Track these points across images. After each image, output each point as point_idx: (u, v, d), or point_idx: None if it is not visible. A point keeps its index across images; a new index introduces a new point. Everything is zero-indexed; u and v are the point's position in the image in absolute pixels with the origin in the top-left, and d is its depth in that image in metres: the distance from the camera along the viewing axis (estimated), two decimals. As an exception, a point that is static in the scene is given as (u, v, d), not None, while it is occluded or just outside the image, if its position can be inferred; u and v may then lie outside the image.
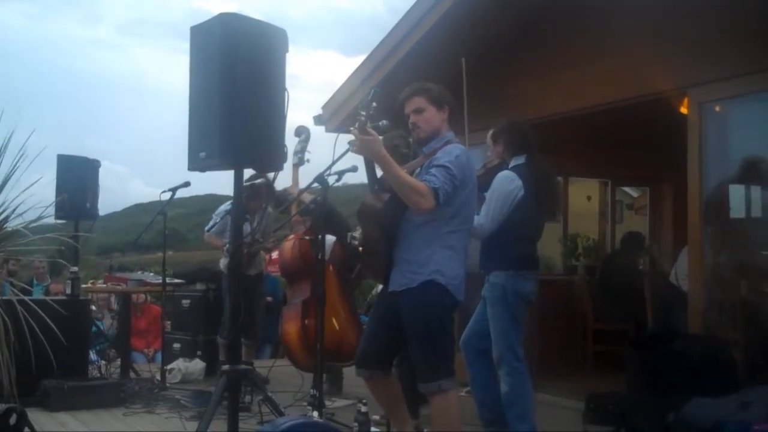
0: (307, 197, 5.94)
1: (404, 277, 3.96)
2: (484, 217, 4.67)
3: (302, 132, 6.38)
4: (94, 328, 7.74)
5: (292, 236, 6.70)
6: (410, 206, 3.84)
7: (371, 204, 4.09)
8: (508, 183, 4.74)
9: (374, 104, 3.80)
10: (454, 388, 3.94)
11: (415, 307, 3.93)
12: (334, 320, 6.33)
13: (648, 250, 9.50)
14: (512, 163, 4.90)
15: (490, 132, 5.05)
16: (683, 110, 5.95)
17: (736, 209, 5.89)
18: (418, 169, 4.09)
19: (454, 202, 3.90)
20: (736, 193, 5.88)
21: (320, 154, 5.78)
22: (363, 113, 3.77)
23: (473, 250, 4.35)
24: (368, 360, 4.17)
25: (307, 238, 6.36)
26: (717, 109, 5.70)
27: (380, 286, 6.15)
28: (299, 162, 6.33)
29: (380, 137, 3.86)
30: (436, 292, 3.89)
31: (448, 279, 3.90)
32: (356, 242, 5.92)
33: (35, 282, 9.65)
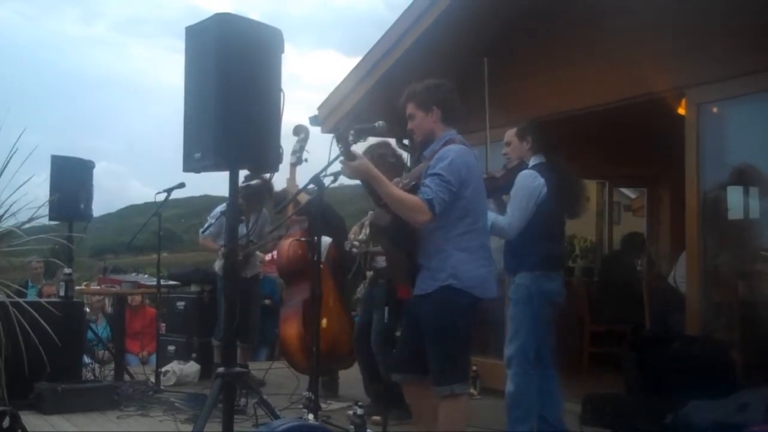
0: (303, 198, 5.92)
1: (424, 283, 3.98)
2: (510, 217, 4.66)
3: (301, 131, 6.36)
4: (90, 334, 7.71)
5: (289, 236, 6.66)
6: (408, 221, 3.85)
7: (378, 221, 4.13)
8: (531, 181, 4.73)
9: (351, 134, 3.84)
10: (466, 393, 3.95)
11: (429, 312, 3.95)
12: (328, 322, 6.30)
13: (646, 251, 9.49)
14: (532, 163, 4.89)
15: (514, 129, 5.03)
16: (681, 111, 5.93)
17: (734, 211, 5.90)
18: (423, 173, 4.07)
19: (458, 204, 3.88)
20: (733, 195, 5.88)
21: (316, 154, 5.76)
22: (340, 145, 3.82)
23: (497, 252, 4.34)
24: (402, 363, 4.18)
25: (303, 239, 6.35)
26: (714, 110, 5.69)
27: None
28: (297, 161, 6.32)
29: (366, 159, 3.92)
30: (451, 296, 3.89)
31: (465, 281, 3.89)
32: (355, 250, 5.92)
33: (30, 284, 9.60)
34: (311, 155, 6.30)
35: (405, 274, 4.09)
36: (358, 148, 4.83)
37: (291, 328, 6.45)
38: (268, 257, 8.74)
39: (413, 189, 3.90)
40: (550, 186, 4.72)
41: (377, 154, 5.80)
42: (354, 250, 5.98)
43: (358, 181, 6.17)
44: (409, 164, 6.03)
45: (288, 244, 6.58)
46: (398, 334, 7.86)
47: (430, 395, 4.12)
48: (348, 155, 3.82)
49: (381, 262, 5.67)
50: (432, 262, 3.95)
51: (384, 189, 3.84)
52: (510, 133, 5.04)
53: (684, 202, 5.74)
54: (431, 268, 3.95)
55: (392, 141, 5.93)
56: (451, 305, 3.89)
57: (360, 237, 6.04)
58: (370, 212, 6.16)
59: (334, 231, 6.31)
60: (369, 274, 5.98)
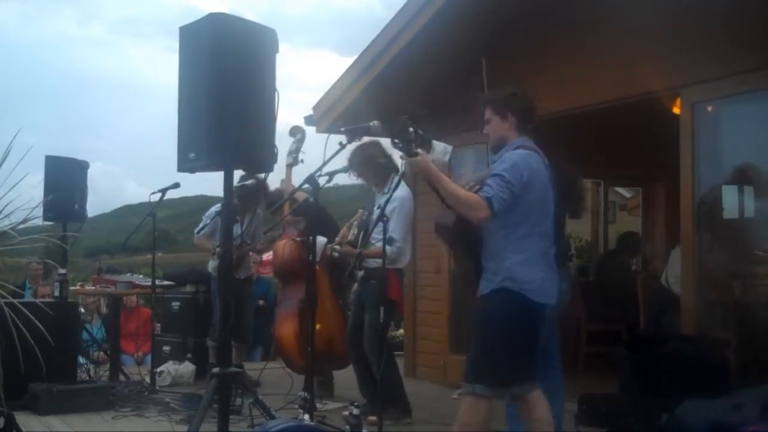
0: (300, 196, 5.92)
1: (483, 284, 3.99)
2: None
3: (297, 132, 6.35)
4: (85, 335, 7.69)
5: (285, 236, 6.66)
6: (467, 218, 3.86)
7: (443, 221, 4.13)
8: None
9: (411, 130, 3.83)
10: (488, 398, 3.87)
11: (480, 312, 3.97)
12: (324, 322, 6.29)
13: (641, 251, 9.50)
14: None
15: None
16: (676, 110, 5.93)
17: (729, 211, 5.91)
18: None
19: (519, 207, 3.88)
20: (728, 195, 5.90)
21: (310, 154, 5.76)
22: (397, 140, 3.84)
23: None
24: None
25: (298, 239, 6.34)
26: (709, 109, 5.69)
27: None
28: (293, 162, 6.31)
29: (427, 156, 3.92)
30: (504, 299, 3.87)
31: (522, 284, 3.86)
32: (336, 254, 5.93)
33: (28, 284, 9.58)
34: (306, 155, 6.29)
35: (472, 276, 4.08)
36: (350, 147, 4.86)
37: (287, 328, 6.44)
38: (265, 257, 8.74)
39: (476, 192, 3.91)
40: (553, 186, 4.74)
41: (367, 155, 5.80)
42: (335, 254, 5.97)
43: (355, 182, 6.22)
44: (401, 165, 6.02)
45: (284, 245, 6.58)
46: (391, 333, 7.88)
47: (536, 401, 4.07)
48: (409, 150, 3.83)
49: (372, 262, 5.67)
50: (490, 264, 3.95)
51: (443, 185, 3.86)
52: None
53: (679, 201, 5.74)
54: (489, 270, 3.95)
55: (386, 141, 5.91)
56: (501, 307, 3.88)
57: (349, 238, 6.03)
58: (360, 211, 6.17)
59: (329, 231, 6.31)
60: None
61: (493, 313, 3.91)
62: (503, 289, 3.87)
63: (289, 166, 6.36)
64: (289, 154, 6.34)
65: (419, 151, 3.87)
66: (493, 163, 4.08)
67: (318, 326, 6.23)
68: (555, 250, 4.83)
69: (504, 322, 3.88)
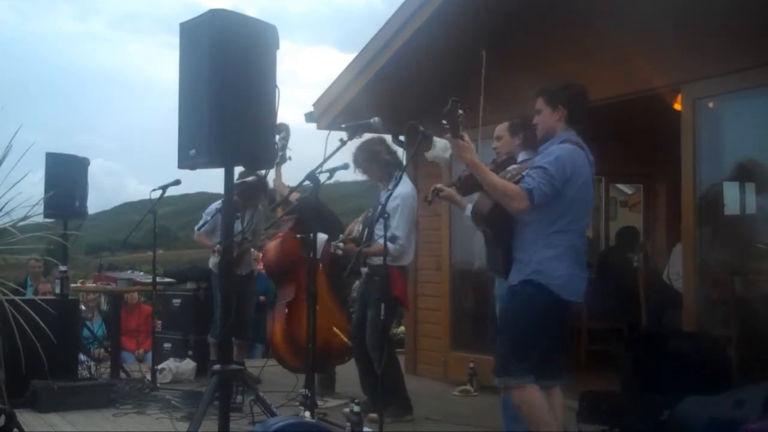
0: (294, 197, 5.90)
1: (512, 274, 4.00)
2: None
3: (282, 129, 6.31)
4: (85, 332, 7.69)
5: (280, 234, 6.64)
6: (506, 208, 3.87)
7: (480, 207, 4.13)
8: None
9: (461, 112, 3.80)
10: (524, 385, 3.89)
11: (508, 303, 4.01)
12: (320, 320, 6.27)
13: (642, 247, 9.48)
14: (521, 158, 4.88)
15: (506, 124, 5.01)
16: (677, 106, 5.92)
17: (730, 206, 5.91)
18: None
19: (559, 201, 3.88)
20: (729, 191, 5.90)
21: (309, 150, 5.74)
22: (444, 122, 3.80)
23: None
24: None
25: (298, 236, 6.33)
26: (710, 105, 5.69)
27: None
28: (281, 160, 6.28)
29: (471, 144, 3.89)
30: (531, 291, 3.89)
31: (549, 278, 3.87)
32: (340, 252, 5.91)
33: (29, 282, 9.59)
34: (304, 153, 6.27)
35: (501, 266, 4.09)
36: (353, 144, 4.84)
37: (276, 328, 6.45)
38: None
39: (517, 183, 3.91)
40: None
41: (372, 151, 5.79)
42: (339, 252, 5.96)
43: (356, 178, 6.20)
44: (404, 161, 6.01)
45: (274, 244, 6.56)
46: (394, 330, 7.86)
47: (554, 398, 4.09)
48: (456, 132, 3.81)
49: (375, 259, 5.66)
50: (522, 255, 3.96)
51: (482, 175, 3.88)
52: (501, 128, 5.00)
53: (680, 197, 5.73)
54: (520, 260, 3.96)
55: (387, 137, 5.90)
56: (527, 299, 3.90)
57: (353, 235, 6.02)
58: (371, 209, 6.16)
59: (329, 228, 6.29)
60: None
61: (521, 306, 3.93)
62: (531, 281, 3.89)
63: (278, 165, 6.33)
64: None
65: (464, 135, 3.85)
66: (538, 155, 4.07)
67: (335, 330, 6.27)
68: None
69: (530, 315, 3.90)
